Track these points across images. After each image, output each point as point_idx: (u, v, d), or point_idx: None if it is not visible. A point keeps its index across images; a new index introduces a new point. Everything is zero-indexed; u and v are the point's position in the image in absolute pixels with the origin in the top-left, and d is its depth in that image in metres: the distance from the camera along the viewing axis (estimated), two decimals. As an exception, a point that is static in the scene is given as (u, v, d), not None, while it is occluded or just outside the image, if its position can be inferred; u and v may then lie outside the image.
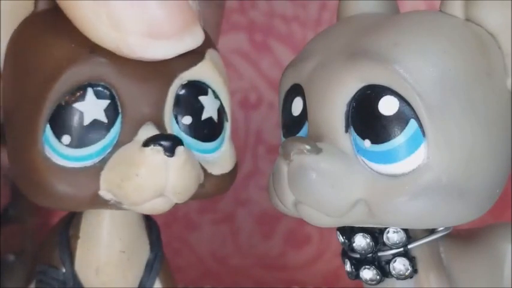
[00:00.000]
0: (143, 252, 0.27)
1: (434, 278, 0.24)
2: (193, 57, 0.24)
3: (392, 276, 0.24)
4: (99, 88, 0.22)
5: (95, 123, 0.22)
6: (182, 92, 0.24)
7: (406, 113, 0.21)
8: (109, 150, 0.23)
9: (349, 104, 0.22)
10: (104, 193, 0.23)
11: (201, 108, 0.25)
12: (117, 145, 0.23)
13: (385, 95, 0.21)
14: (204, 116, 0.25)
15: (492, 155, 0.22)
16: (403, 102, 0.21)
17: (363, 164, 0.22)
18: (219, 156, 0.25)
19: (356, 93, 0.22)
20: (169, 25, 0.21)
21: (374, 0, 0.26)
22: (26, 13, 0.24)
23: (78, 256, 0.26)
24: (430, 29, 0.22)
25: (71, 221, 0.27)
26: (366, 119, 0.22)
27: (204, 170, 0.24)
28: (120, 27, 0.21)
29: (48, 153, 0.22)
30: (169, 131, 0.23)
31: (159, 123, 0.23)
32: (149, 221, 0.28)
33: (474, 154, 0.21)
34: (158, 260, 0.27)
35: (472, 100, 0.21)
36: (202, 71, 0.24)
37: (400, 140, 0.21)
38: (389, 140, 0.21)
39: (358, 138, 0.22)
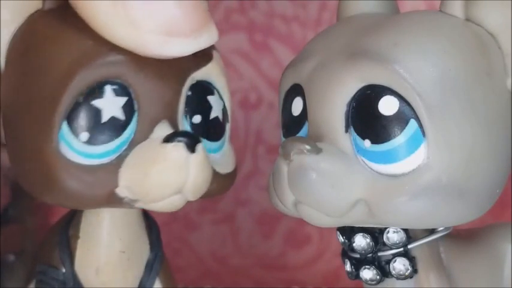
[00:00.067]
0: (143, 252, 0.27)
1: (434, 278, 0.24)
2: (203, 57, 0.24)
3: (392, 276, 0.24)
4: (117, 86, 0.23)
5: (113, 120, 0.22)
6: (192, 91, 0.24)
7: (406, 113, 0.21)
8: (124, 148, 0.23)
9: (349, 104, 0.22)
10: (120, 190, 0.23)
11: (210, 107, 0.25)
12: (133, 143, 0.23)
13: (385, 95, 0.21)
14: (212, 116, 0.25)
15: (492, 155, 0.22)
16: (403, 102, 0.21)
17: (363, 164, 0.22)
18: (223, 156, 0.26)
19: (356, 93, 0.22)
20: (186, 23, 0.22)
21: (374, 0, 0.26)
22: (28, 13, 0.24)
23: (78, 256, 0.26)
24: (430, 29, 0.22)
25: (71, 221, 0.27)
26: (366, 119, 0.22)
27: (213, 169, 0.25)
28: (138, 26, 0.21)
29: (64, 150, 0.22)
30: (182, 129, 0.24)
31: (173, 122, 0.23)
32: (149, 221, 0.28)
33: (474, 154, 0.21)
34: (158, 260, 0.27)
35: (472, 100, 0.21)
36: (211, 72, 0.25)
37: (400, 140, 0.21)
38: (389, 140, 0.21)
39: (358, 138, 0.22)
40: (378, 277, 0.24)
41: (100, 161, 0.23)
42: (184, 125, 0.24)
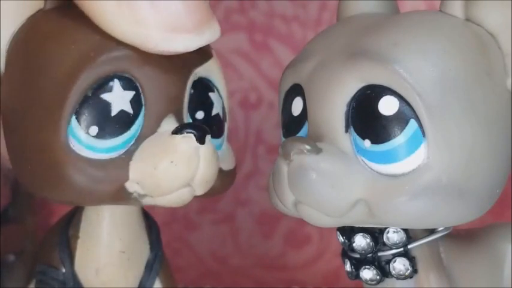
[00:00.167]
0: (143, 252, 0.27)
1: (434, 278, 0.24)
2: (204, 54, 0.25)
3: (392, 276, 0.24)
4: (125, 80, 0.23)
5: (122, 114, 0.23)
6: (194, 87, 0.24)
7: (406, 113, 0.21)
8: (132, 143, 0.23)
9: (349, 104, 0.22)
10: (130, 185, 0.23)
11: (212, 104, 0.25)
12: (140, 137, 0.23)
13: (385, 95, 0.21)
14: (214, 112, 0.25)
15: (492, 155, 0.22)
16: (403, 102, 0.21)
17: (362, 164, 0.22)
18: (223, 153, 0.26)
19: (356, 93, 0.22)
20: (190, 20, 0.22)
21: (374, 0, 0.26)
22: (30, 13, 0.24)
23: (78, 256, 0.26)
24: (430, 29, 0.22)
25: (71, 221, 0.27)
26: (366, 119, 0.22)
27: None
28: (143, 23, 0.22)
29: (73, 145, 0.22)
30: None
31: (179, 116, 0.24)
32: (149, 221, 0.28)
33: (474, 154, 0.21)
34: (158, 260, 0.27)
35: (472, 100, 0.21)
36: (211, 69, 0.25)
37: (400, 140, 0.21)
38: (389, 140, 0.21)
39: (358, 138, 0.22)
40: (377, 277, 0.24)
41: (109, 155, 0.23)
42: (189, 121, 0.24)
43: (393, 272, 0.24)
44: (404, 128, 0.21)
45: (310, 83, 0.23)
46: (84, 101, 0.22)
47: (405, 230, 0.24)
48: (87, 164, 0.22)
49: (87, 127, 0.22)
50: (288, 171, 0.22)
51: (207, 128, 0.23)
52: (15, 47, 0.24)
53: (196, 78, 0.25)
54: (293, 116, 0.24)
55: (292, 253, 0.45)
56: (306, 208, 0.22)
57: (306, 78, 0.24)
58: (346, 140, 0.22)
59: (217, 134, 0.25)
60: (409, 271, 0.24)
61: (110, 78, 0.22)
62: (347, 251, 0.25)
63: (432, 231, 0.24)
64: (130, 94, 0.23)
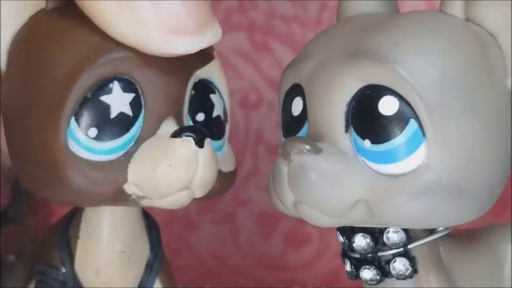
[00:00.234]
0: (143, 252, 0.27)
1: (434, 278, 0.24)
2: (205, 56, 0.25)
3: (392, 276, 0.24)
4: (124, 82, 0.23)
5: (121, 116, 0.23)
6: (195, 89, 0.24)
7: (406, 113, 0.21)
8: (132, 144, 0.23)
9: (349, 104, 0.22)
10: (128, 187, 0.23)
11: (212, 105, 0.25)
12: (140, 139, 0.23)
13: (385, 95, 0.21)
14: (214, 114, 0.25)
15: (492, 155, 0.22)
16: (403, 102, 0.21)
17: (362, 164, 0.22)
18: (224, 155, 0.26)
19: (356, 93, 0.22)
20: (191, 21, 0.22)
21: (374, 0, 0.26)
22: (31, 12, 0.24)
23: (78, 256, 0.26)
24: (430, 29, 0.22)
25: (71, 221, 0.27)
26: (366, 119, 0.22)
27: None
28: (143, 24, 0.22)
29: (72, 146, 0.22)
30: None
31: (179, 119, 0.24)
32: (149, 221, 0.28)
33: (474, 154, 0.21)
34: (158, 260, 0.27)
35: (472, 100, 0.21)
36: (212, 70, 0.25)
37: (400, 140, 0.21)
38: (389, 140, 0.21)
39: (358, 138, 0.22)
40: (378, 277, 0.24)
41: (108, 157, 0.23)
42: (189, 123, 0.24)
43: (393, 272, 0.24)
44: (404, 128, 0.21)
45: (310, 83, 0.23)
46: (83, 103, 0.22)
47: (405, 230, 0.24)
48: (86, 165, 0.22)
49: (86, 129, 0.22)
50: (288, 171, 0.22)
51: (207, 130, 0.23)
52: (17, 46, 0.24)
53: (197, 80, 0.24)
54: (293, 116, 0.24)
55: (292, 253, 0.45)
56: (306, 208, 0.22)
57: (306, 78, 0.24)
58: (346, 140, 0.22)
59: (217, 135, 0.25)
60: (409, 271, 0.24)
61: (110, 80, 0.22)
62: (347, 251, 0.25)
63: (432, 231, 0.24)
64: (130, 96, 0.23)
